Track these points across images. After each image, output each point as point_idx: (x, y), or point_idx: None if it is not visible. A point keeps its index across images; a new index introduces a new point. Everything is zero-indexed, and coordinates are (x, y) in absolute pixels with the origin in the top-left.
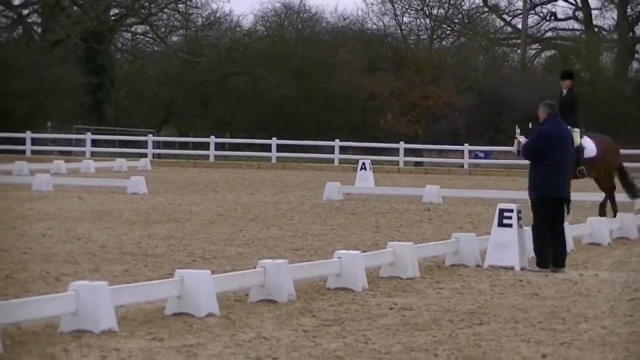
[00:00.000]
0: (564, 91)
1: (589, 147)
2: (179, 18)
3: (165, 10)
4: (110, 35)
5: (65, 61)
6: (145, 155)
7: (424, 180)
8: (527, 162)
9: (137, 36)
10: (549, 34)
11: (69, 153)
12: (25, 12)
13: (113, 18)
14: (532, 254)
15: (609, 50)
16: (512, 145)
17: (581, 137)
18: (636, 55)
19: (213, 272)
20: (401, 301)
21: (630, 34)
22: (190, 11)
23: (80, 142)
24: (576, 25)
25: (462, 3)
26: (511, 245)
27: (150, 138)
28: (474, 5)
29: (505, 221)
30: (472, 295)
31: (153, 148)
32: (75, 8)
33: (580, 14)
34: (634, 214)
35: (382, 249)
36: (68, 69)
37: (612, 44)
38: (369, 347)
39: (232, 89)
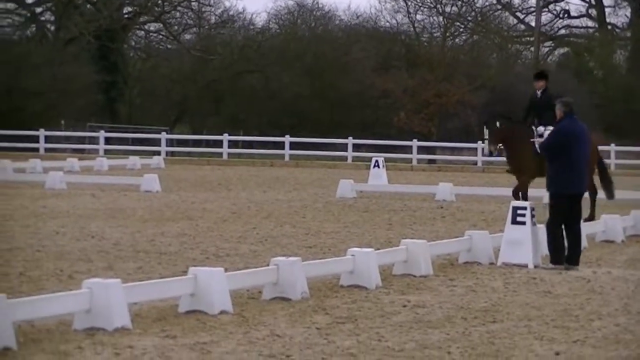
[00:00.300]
0: (539, 92)
1: None
2: (192, 16)
3: (179, 8)
4: (124, 33)
5: (78, 59)
6: (158, 153)
7: (437, 177)
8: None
9: (150, 34)
10: (562, 31)
11: (82, 151)
12: (38, 10)
13: (126, 16)
14: (545, 251)
15: (623, 47)
16: (483, 145)
17: None
18: None
19: (226, 270)
20: (414, 299)
21: None
22: (203, 9)
23: (94, 140)
24: (589, 23)
25: (476, 1)
26: (525, 243)
27: (163, 136)
28: (487, 3)
29: (518, 219)
30: (486, 292)
31: (166, 146)
32: (88, 6)
33: (593, 12)
34: None
35: (395, 246)
36: (81, 67)
37: (625, 42)
38: (382, 345)
39: (245, 87)
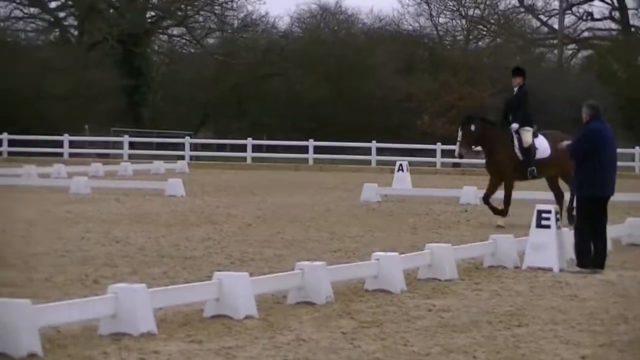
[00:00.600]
0: (515, 89)
1: (542, 147)
2: (215, 20)
3: (201, 12)
4: (147, 37)
5: (101, 64)
6: (182, 158)
7: (462, 181)
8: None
9: (174, 38)
10: (586, 34)
11: (106, 155)
12: (61, 14)
13: (149, 20)
14: (570, 255)
15: None
16: (456, 146)
17: (535, 136)
18: None
19: (251, 275)
20: (439, 303)
21: None
22: (226, 13)
23: (118, 145)
24: (613, 25)
25: (498, 3)
26: (549, 247)
27: (187, 140)
28: (510, 6)
29: (543, 222)
30: (511, 296)
31: (190, 150)
32: (111, 11)
33: (616, 14)
34: None
35: (420, 250)
36: (105, 72)
37: None
38: (407, 349)
39: (268, 91)
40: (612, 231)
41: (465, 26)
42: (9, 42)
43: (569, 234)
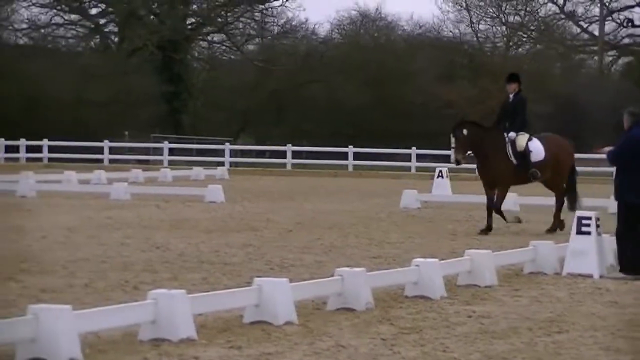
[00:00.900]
0: (511, 95)
1: (537, 149)
2: (255, 26)
3: (242, 19)
4: (187, 44)
5: (141, 70)
6: (222, 164)
7: None
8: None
9: (214, 45)
10: (626, 40)
11: (146, 162)
12: (102, 21)
13: (189, 27)
14: (610, 261)
15: None
16: (452, 153)
17: (529, 139)
18: None
19: (291, 281)
20: (479, 309)
21: None
22: (266, 20)
23: (158, 151)
24: None
25: (539, 10)
26: (590, 253)
27: (227, 146)
28: (550, 12)
29: (583, 229)
30: (551, 303)
31: (230, 156)
32: (151, 17)
33: None
34: None
35: (459, 256)
36: (144, 78)
37: None
38: (447, 356)
39: (308, 97)
40: None
41: (505, 33)
42: (50, 48)
43: (609, 241)
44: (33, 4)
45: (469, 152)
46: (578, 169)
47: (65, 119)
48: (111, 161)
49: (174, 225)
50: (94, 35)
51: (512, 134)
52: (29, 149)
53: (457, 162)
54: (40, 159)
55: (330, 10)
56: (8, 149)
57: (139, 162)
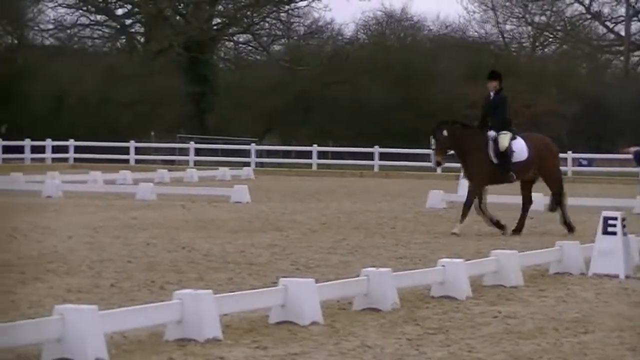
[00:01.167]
0: (492, 93)
1: (519, 149)
2: (281, 27)
3: (267, 19)
4: (213, 44)
5: (168, 70)
6: (248, 164)
7: None
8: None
9: (240, 45)
10: None
11: (172, 162)
12: (128, 22)
13: (215, 27)
14: (636, 262)
15: None
16: (432, 155)
17: (512, 138)
18: None
19: (317, 281)
20: (505, 309)
21: None
22: (292, 20)
23: (184, 151)
24: None
25: (565, 10)
26: (616, 253)
27: (253, 147)
28: (576, 12)
29: (609, 229)
30: (577, 303)
31: (256, 157)
32: (177, 18)
33: None
34: None
35: (485, 257)
36: (171, 79)
37: None
38: (473, 356)
39: (334, 98)
40: None
41: (531, 33)
42: (76, 49)
43: (635, 241)
44: (59, 5)
45: (450, 152)
46: (603, 169)
47: (91, 120)
48: (137, 161)
49: (200, 226)
50: (120, 36)
51: (492, 133)
52: (55, 150)
53: (437, 164)
54: (66, 160)
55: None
56: (34, 150)
57: (165, 162)
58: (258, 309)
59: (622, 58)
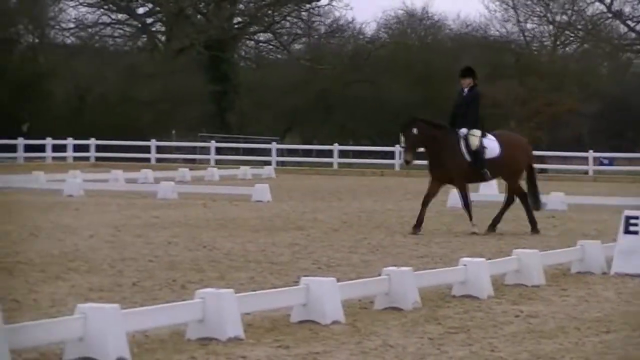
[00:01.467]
0: (465, 90)
1: (491, 146)
2: (302, 26)
3: (288, 18)
4: (234, 43)
5: (189, 69)
6: (269, 163)
7: (548, 187)
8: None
9: (260, 44)
10: None
11: (193, 161)
12: (149, 20)
13: (236, 26)
14: None
15: None
16: (403, 154)
17: (483, 135)
18: None
19: (338, 280)
20: (527, 309)
21: None
22: (313, 19)
23: (205, 150)
24: None
25: (586, 9)
26: (637, 253)
27: (274, 146)
28: (597, 11)
29: (631, 228)
30: (599, 302)
31: (277, 156)
32: (199, 17)
33: None
34: None
35: (507, 256)
36: (192, 77)
37: None
38: (495, 355)
39: (354, 97)
40: None
41: (553, 32)
42: (97, 48)
43: None
44: (80, 4)
45: (419, 149)
46: (624, 168)
47: (113, 118)
48: (158, 160)
49: (221, 225)
50: (141, 35)
51: (463, 130)
52: (77, 148)
53: (407, 162)
54: (87, 158)
55: (377, 9)
56: (56, 148)
57: (186, 161)
58: (280, 308)
59: None
